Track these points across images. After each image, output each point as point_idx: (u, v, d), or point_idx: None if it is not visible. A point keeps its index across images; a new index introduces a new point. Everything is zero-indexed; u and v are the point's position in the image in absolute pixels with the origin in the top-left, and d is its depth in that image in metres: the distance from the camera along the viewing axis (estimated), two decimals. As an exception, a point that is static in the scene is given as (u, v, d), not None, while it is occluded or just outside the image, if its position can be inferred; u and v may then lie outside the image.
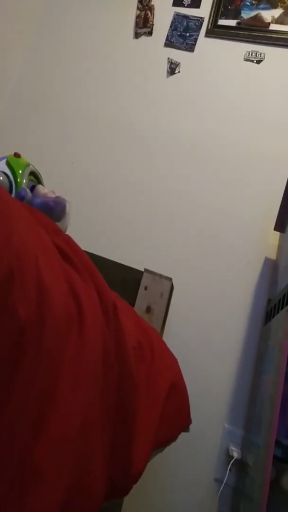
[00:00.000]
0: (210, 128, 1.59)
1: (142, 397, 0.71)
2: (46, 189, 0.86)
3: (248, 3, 1.75)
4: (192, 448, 1.18)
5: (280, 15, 1.69)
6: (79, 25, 1.90)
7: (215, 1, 1.77)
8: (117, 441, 0.62)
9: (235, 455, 1.13)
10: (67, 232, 0.84)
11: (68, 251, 0.70)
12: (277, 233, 1.36)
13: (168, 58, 1.72)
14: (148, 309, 1.04)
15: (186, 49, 1.73)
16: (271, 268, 1.35)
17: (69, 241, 0.75)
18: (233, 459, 1.12)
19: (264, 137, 1.52)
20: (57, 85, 1.81)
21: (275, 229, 1.32)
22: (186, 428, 0.89)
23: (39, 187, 0.86)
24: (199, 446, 1.19)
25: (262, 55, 1.65)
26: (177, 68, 1.70)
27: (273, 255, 1.37)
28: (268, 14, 1.71)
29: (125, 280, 1.07)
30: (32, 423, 0.43)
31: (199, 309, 1.34)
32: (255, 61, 1.65)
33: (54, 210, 0.82)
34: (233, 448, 1.15)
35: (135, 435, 0.65)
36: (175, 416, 0.81)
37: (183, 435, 0.85)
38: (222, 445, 1.18)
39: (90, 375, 0.56)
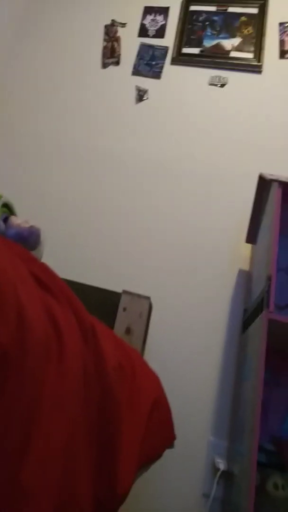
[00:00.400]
0: (180, 149, 1.67)
1: (125, 416, 0.73)
2: (20, 220, 0.89)
3: (209, 33, 1.87)
4: (178, 464, 1.20)
5: (239, 43, 1.82)
6: (49, 57, 1.97)
7: (178, 31, 1.88)
8: (102, 460, 0.63)
9: (221, 466, 1.15)
10: (43, 259, 0.87)
11: (44, 278, 0.73)
12: (249, 245, 1.44)
13: (136, 85, 1.80)
14: (128, 330, 1.07)
15: (153, 77, 1.82)
16: (245, 279, 1.42)
17: (45, 268, 0.78)
18: (220, 471, 1.14)
19: (231, 154, 1.62)
20: (29, 115, 1.86)
21: (247, 241, 1.40)
22: (170, 445, 0.91)
23: (12, 218, 0.89)
24: (185, 461, 1.21)
25: (225, 79, 1.76)
26: (145, 95, 1.78)
27: (246, 266, 1.44)
28: (228, 43, 1.83)
29: (103, 303, 1.09)
30: (17, 444, 0.45)
31: (178, 324, 1.38)
32: (219, 85, 1.76)
33: (28, 240, 0.85)
34: (219, 460, 1.17)
35: (120, 454, 0.66)
36: (159, 432, 0.84)
37: (168, 452, 0.87)
38: (207, 458, 1.20)
39: (72, 396, 0.59)
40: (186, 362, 1.32)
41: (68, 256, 1.49)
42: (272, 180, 1.13)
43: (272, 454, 1.00)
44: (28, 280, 0.65)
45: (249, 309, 1.25)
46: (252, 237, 1.37)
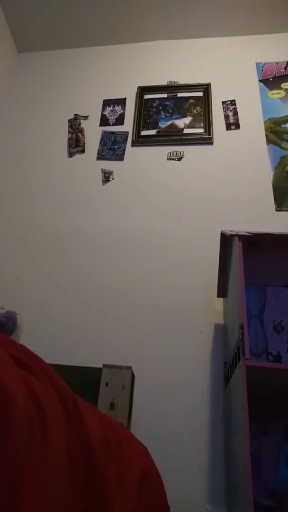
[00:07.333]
0: (147, 219, 1.86)
1: (113, 491, 0.75)
2: (-4, 306, 0.99)
3: (163, 116, 2.18)
4: None
5: (190, 121, 2.13)
6: (16, 150, 2.21)
7: (136, 117, 2.18)
8: None
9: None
10: (21, 343, 0.95)
11: (23, 358, 0.81)
12: (221, 299, 1.55)
13: (102, 168, 2.04)
14: (112, 405, 1.09)
15: (116, 159, 2.07)
16: (222, 333, 1.51)
17: (23, 349, 0.85)
18: None
19: (193, 218, 1.82)
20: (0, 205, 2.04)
21: (218, 295, 1.51)
22: (165, 517, 0.91)
23: (-12, 305, 0.99)
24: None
25: (181, 153, 2.02)
26: (110, 176, 2.01)
27: (221, 320, 1.53)
28: (181, 122, 2.14)
29: (84, 381, 1.13)
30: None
31: (161, 389, 1.41)
32: (176, 159, 2.01)
33: (5, 325, 0.94)
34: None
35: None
36: (152, 504, 0.83)
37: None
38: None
39: (57, 472, 0.62)
40: (174, 428, 1.34)
41: (46, 338, 1.54)
42: (232, 236, 1.28)
43: (272, 510, 1.00)
44: (7, 361, 0.73)
45: (228, 361, 1.31)
46: (222, 291, 1.49)
